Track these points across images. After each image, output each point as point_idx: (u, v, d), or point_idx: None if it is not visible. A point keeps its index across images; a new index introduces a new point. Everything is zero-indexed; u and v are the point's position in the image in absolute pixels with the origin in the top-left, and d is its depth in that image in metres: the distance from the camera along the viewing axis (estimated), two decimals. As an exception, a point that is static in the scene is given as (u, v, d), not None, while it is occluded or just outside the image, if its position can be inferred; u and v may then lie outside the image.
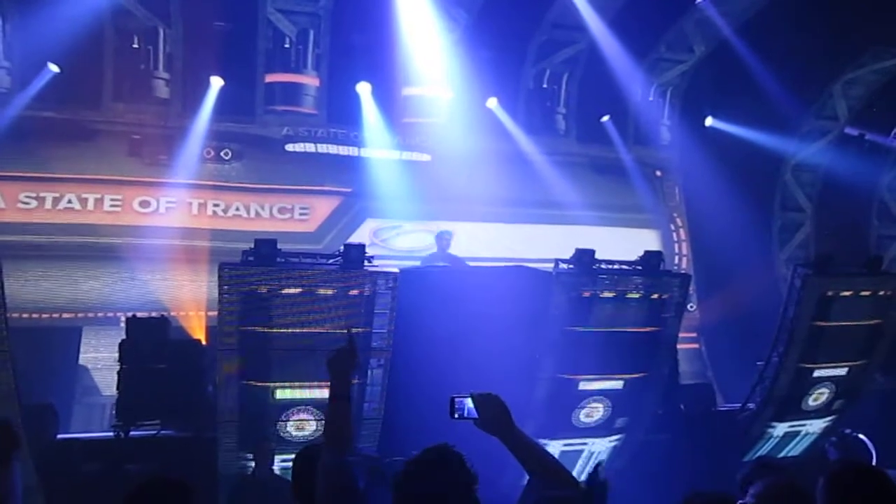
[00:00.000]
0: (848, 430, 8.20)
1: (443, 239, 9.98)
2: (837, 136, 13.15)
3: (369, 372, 6.50)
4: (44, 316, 9.66)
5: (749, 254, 11.99)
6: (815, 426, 8.49)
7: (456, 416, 2.42)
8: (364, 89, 11.26)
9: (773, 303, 9.92)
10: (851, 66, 12.44)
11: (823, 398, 8.32)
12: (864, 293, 8.05)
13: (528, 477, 2.46)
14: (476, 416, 2.41)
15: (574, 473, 2.48)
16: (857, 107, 12.94)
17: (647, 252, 7.62)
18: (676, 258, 12.77)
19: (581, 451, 7.68)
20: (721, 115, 12.56)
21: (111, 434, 6.91)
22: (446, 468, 2.10)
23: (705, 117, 12.69)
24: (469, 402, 2.42)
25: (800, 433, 8.44)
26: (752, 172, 12.26)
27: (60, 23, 9.47)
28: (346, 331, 2.90)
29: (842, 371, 8.25)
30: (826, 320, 7.93)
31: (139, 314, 8.08)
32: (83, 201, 10.16)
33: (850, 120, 13.02)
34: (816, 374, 8.15)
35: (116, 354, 7.13)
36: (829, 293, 7.90)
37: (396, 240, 11.31)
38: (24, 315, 9.15)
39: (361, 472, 2.49)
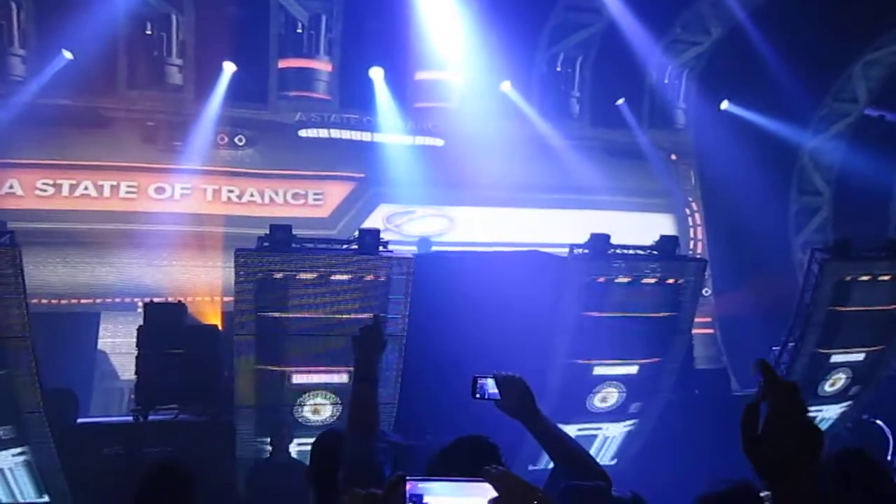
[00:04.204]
0: (865, 416, 8.17)
1: None
2: (857, 119, 12.96)
3: (384, 356, 6.52)
4: (62, 302, 9.78)
5: (765, 238, 11.88)
6: (832, 411, 8.45)
7: (477, 396, 2.30)
8: (377, 74, 11.22)
9: (789, 288, 9.85)
10: (871, 47, 12.22)
11: (840, 384, 8.26)
12: (882, 278, 7.96)
13: (539, 464, 2.40)
14: (498, 397, 2.29)
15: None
16: (878, 88, 12.73)
17: (662, 237, 7.57)
18: (692, 243, 12.68)
19: (595, 436, 7.69)
20: (737, 98, 12.41)
21: (130, 418, 7.01)
22: (481, 459, 2.04)
23: (721, 100, 12.54)
24: (491, 383, 2.29)
25: (815, 419, 8.39)
26: (769, 156, 12.11)
27: (74, 10, 9.50)
28: (371, 316, 2.84)
29: (859, 356, 8.19)
30: (844, 305, 7.85)
31: (156, 299, 8.15)
32: (99, 188, 10.24)
33: (869, 101, 12.82)
34: (833, 359, 8.10)
35: (134, 339, 7.21)
36: (847, 278, 7.82)
37: (410, 225, 11.31)
38: (44, 301, 9.27)
39: (387, 459, 2.41)
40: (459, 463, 2.01)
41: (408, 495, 1.25)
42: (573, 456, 2.29)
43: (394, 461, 2.42)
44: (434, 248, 10.20)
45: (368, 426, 2.47)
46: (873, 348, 8.20)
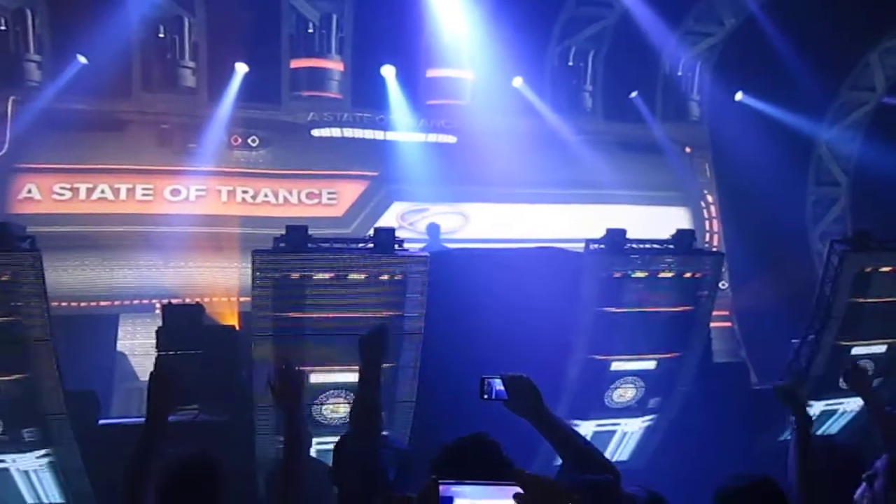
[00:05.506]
0: (888, 408, 8.06)
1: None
2: (874, 107, 12.80)
3: (401, 354, 6.53)
4: (82, 304, 9.90)
5: (783, 230, 11.77)
6: (853, 404, 8.34)
7: (485, 396, 2.40)
8: (389, 72, 11.23)
9: (808, 279, 9.76)
10: (888, 35, 12.06)
11: (862, 376, 8.16)
12: (904, 268, 7.85)
13: (559, 461, 2.43)
14: (506, 397, 2.39)
15: (606, 454, 2.46)
16: None
17: (678, 230, 7.51)
18: (708, 235, 12.60)
19: (614, 432, 7.66)
20: (752, 89, 12.29)
21: (151, 419, 7.05)
22: (483, 456, 2.07)
23: (736, 91, 12.42)
24: (499, 383, 2.39)
25: (836, 412, 8.30)
26: (785, 146, 12.00)
27: (88, 16, 9.59)
28: (379, 315, 2.90)
29: (881, 349, 8.08)
30: (864, 297, 7.75)
31: (174, 301, 8.22)
32: (116, 191, 10.34)
33: (887, 90, 12.66)
34: (854, 351, 7.99)
35: (152, 340, 7.26)
36: (868, 269, 7.71)
37: (424, 222, 11.31)
38: (63, 303, 9.38)
39: (391, 464, 2.45)
40: (462, 460, 2.05)
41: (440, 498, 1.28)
42: (582, 452, 2.35)
43: (398, 467, 2.46)
44: (446, 242, 10.21)
45: (370, 427, 2.50)
46: (895, 340, 8.10)
